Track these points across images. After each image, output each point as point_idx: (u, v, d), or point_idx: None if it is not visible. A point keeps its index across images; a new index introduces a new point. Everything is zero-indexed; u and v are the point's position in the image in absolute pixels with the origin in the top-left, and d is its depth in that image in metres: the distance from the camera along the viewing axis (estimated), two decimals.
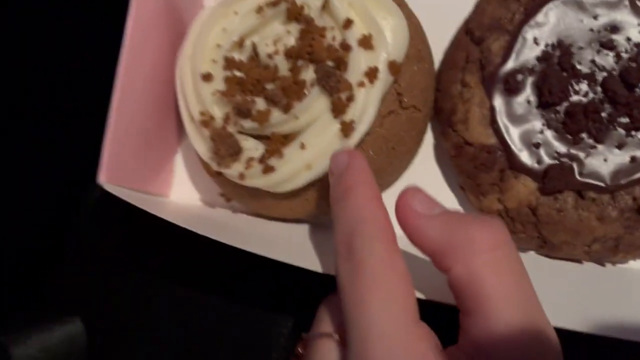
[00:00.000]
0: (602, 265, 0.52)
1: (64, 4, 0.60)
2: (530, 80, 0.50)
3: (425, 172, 0.57)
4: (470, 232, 0.36)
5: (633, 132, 0.48)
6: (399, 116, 0.52)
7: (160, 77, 0.56)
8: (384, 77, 0.49)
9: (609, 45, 0.49)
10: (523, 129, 0.50)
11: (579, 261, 0.52)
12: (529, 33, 0.51)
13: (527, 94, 0.50)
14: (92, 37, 0.62)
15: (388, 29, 0.51)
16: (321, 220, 0.57)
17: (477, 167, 0.51)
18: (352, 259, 0.37)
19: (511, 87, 0.50)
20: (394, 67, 0.50)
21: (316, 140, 0.49)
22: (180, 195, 0.60)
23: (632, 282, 0.51)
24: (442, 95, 0.54)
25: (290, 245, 0.52)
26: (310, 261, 0.46)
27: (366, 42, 0.49)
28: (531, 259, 0.53)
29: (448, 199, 0.56)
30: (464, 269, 0.35)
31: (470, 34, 0.54)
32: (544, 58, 0.50)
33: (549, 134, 0.50)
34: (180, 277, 0.61)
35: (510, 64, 0.51)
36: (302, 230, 0.55)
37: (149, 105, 0.55)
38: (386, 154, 0.52)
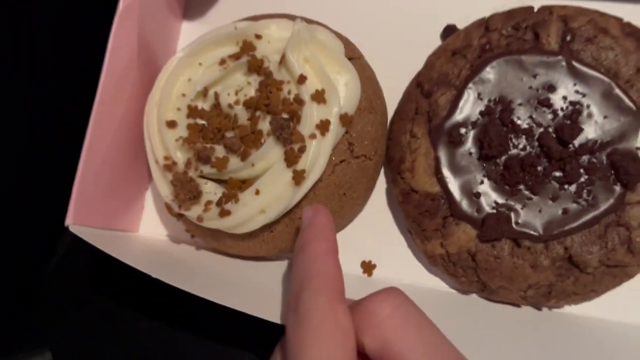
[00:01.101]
0: (539, 309, 0.55)
1: (39, 42, 0.64)
2: (472, 134, 0.54)
3: (377, 216, 0.60)
4: (368, 306, 0.40)
5: (566, 186, 0.51)
6: (350, 164, 0.55)
7: (132, 120, 0.59)
8: (335, 129, 0.53)
9: (546, 103, 0.53)
10: (465, 179, 0.53)
11: (517, 305, 0.55)
12: (474, 89, 0.55)
13: (470, 146, 0.54)
14: (68, 78, 0.66)
15: (341, 84, 0.55)
16: (279, 256, 0.60)
17: (422, 214, 0.55)
18: (297, 311, 0.41)
19: (455, 140, 0.54)
20: (345, 120, 0.54)
21: (270, 187, 0.53)
22: (149, 230, 0.63)
23: (566, 325, 0.54)
24: (393, 144, 0.58)
25: (249, 290, 0.54)
26: (267, 309, 0.49)
27: (319, 97, 0.53)
28: (473, 302, 0.56)
29: (398, 242, 0.59)
30: (373, 340, 0.39)
31: (420, 87, 0.57)
32: (486, 113, 0.54)
33: (489, 185, 0.53)
34: (150, 309, 0.64)
35: (455, 118, 0.54)
36: (261, 269, 0.59)
37: (120, 147, 0.58)
38: (337, 200, 0.55)
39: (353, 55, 0.58)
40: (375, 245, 0.59)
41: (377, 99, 0.58)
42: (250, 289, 0.54)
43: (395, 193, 0.57)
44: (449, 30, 0.62)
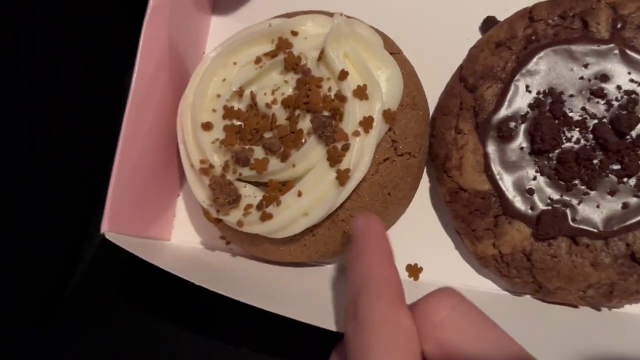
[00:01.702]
0: (598, 310, 0.52)
1: (67, 50, 0.62)
2: (522, 128, 0.51)
3: (422, 217, 0.58)
4: (424, 308, 0.38)
5: (625, 179, 0.49)
6: (394, 163, 0.53)
7: (163, 123, 0.57)
8: (378, 126, 0.51)
9: (599, 93, 0.50)
10: (516, 175, 0.51)
11: (575, 306, 0.52)
12: (521, 81, 0.52)
13: (520, 141, 0.51)
14: (97, 84, 0.64)
15: (382, 79, 0.52)
16: (318, 262, 0.57)
17: (472, 213, 0.52)
18: (356, 317, 0.39)
19: (504, 134, 0.51)
20: (388, 116, 0.51)
21: (313, 188, 0.50)
22: (181, 238, 0.61)
23: (628, 326, 0.51)
24: (437, 142, 0.55)
25: (295, 296, 0.52)
26: (310, 314, 0.46)
27: (361, 93, 0.51)
28: (527, 303, 0.53)
29: (445, 243, 0.57)
30: (432, 343, 0.37)
31: (463, 81, 0.55)
32: (536, 105, 0.51)
33: (542, 181, 0.50)
34: (180, 318, 0.62)
35: (503, 112, 0.52)
36: (302, 275, 0.56)
37: (151, 152, 0.56)
38: (382, 200, 0.53)
39: (392, 50, 0.56)
40: (420, 248, 0.57)
41: (419, 94, 0.56)
42: (296, 296, 0.52)
43: (442, 192, 0.55)
44: (489, 22, 0.59)
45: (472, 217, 0.52)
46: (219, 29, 0.66)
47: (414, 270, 0.56)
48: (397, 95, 0.53)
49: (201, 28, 0.65)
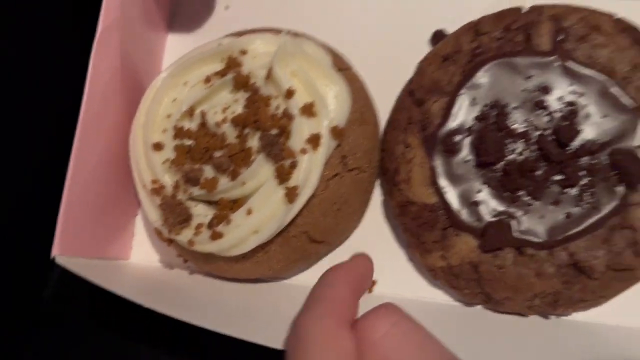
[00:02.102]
0: (546, 318, 0.53)
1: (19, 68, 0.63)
2: (468, 141, 0.52)
3: (374, 230, 0.58)
4: (363, 326, 0.40)
5: (567, 189, 0.50)
6: (343, 178, 0.53)
7: (117, 143, 0.58)
8: (326, 143, 0.51)
9: (541, 105, 0.51)
10: (462, 188, 0.52)
11: (524, 315, 0.53)
12: (467, 94, 0.53)
13: (466, 153, 0.52)
14: (50, 102, 0.64)
15: (330, 96, 0.53)
16: (275, 278, 0.58)
17: (421, 226, 0.53)
18: (298, 333, 0.40)
19: (450, 148, 0.52)
20: (336, 132, 0.52)
21: (262, 206, 0.51)
22: (141, 257, 0.62)
23: (575, 333, 0.52)
24: (387, 156, 0.56)
25: (247, 314, 0.52)
26: (265, 334, 0.47)
27: (309, 110, 0.51)
28: (478, 314, 0.54)
29: (397, 256, 0.58)
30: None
31: (412, 95, 0.56)
32: (481, 118, 0.52)
33: (488, 193, 0.51)
34: (150, 337, 0.62)
35: (449, 125, 0.53)
36: (258, 292, 0.57)
37: (105, 172, 0.57)
38: (333, 215, 0.54)
39: (342, 66, 0.57)
40: (375, 261, 0.57)
41: (369, 109, 0.57)
42: (248, 314, 0.52)
43: (392, 205, 0.55)
44: (438, 36, 0.60)
45: (421, 230, 0.53)
46: (176, 48, 0.67)
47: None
48: (345, 111, 0.53)
49: (157, 47, 0.66)
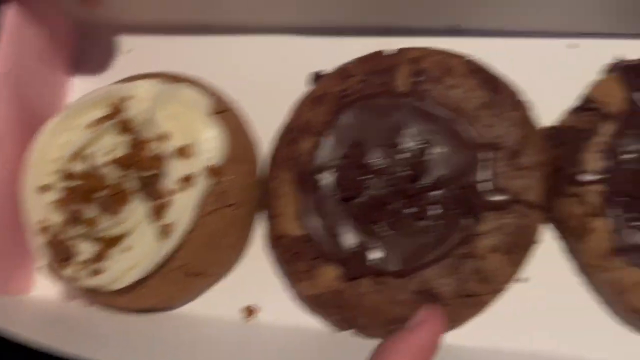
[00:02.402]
0: None
1: None
2: (332, 178, 0.56)
3: (258, 261, 0.61)
4: None
5: (419, 221, 0.54)
6: (220, 214, 0.57)
7: (12, 183, 0.61)
8: (201, 182, 0.55)
9: (398, 143, 0.55)
10: (327, 221, 0.55)
11: None
12: (333, 134, 0.57)
13: (330, 189, 0.56)
14: None
15: (206, 138, 0.57)
16: (164, 308, 0.61)
17: (292, 257, 0.57)
18: None
19: (317, 184, 0.56)
20: (212, 172, 0.56)
21: (139, 243, 0.55)
22: (42, 291, 0.65)
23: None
24: (264, 191, 0.60)
25: (137, 345, 0.56)
26: None
27: (184, 152, 0.56)
28: (350, 340, 0.57)
29: (279, 285, 0.61)
30: None
31: (287, 134, 0.60)
32: (345, 156, 0.56)
33: (349, 225, 0.55)
34: None
35: (316, 163, 0.57)
36: (152, 322, 0.60)
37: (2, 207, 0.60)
38: (212, 249, 0.57)
39: (222, 107, 0.61)
40: (258, 290, 0.61)
41: (247, 148, 0.61)
42: (143, 346, 0.55)
43: (269, 238, 0.59)
44: (317, 78, 0.64)
45: (292, 261, 0.57)
46: (83, 91, 0.70)
47: (250, 312, 0.60)
48: (221, 152, 0.57)
49: (59, 90, 0.69)
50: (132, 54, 0.70)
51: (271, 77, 0.66)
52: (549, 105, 0.58)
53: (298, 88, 0.64)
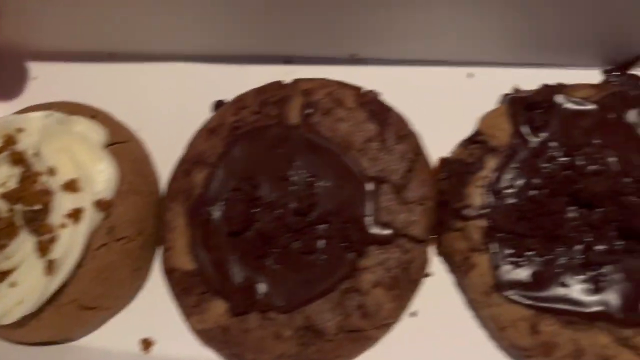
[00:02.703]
0: None
1: None
2: (222, 210, 0.56)
3: (157, 294, 0.61)
4: None
5: (306, 256, 0.53)
6: (111, 248, 0.57)
7: None
8: (89, 216, 0.55)
9: (287, 176, 0.55)
10: (217, 255, 0.55)
11: None
12: (225, 166, 0.57)
13: (220, 223, 0.55)
14: None
15: (96, 172, 0.57)
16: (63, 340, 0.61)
17: (182, 290, 0.56)
18: None
19: (207, 217, 0.56)
20: (102, 205, 0.56)
21: (25, 278, 0.54)
22: None
23: None
24: (160, 223, 0.59)
25: None
26: None
27: (72, 186, 0.55)
28: None
29: (175, 319, 0.60)
30: None
31: (182, 166, 0.60)
32: (236, 189, 0.56)
33: (237, 260, 0.54)
34: None
35: (207, 196, 0.56)
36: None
37: None
38: (102, 283, 0.57)
39: (119, 139, 0.60)
40: (156, 323, 0.60)
41: (143, 180, 0.60)
42: None
43: (163, 271, 0.59)
44: (217, 106, 0.64)
45: (183, 295, 0.56)
46: None
47: (146, 344, 0.60)
48: (111, 185, 0.57)
49: None
50: (38, 81, 0.70)
51: (176, 104, 0.66)
52: (445, 136, 0.58)
53: (203, 116, 0.64)
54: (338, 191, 0.54)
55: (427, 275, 0.56)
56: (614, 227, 0.49)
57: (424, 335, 0.55)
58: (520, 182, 0.51)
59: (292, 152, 0.56)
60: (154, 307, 0.61)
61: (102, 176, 0.57)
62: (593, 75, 0.59)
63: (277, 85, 0.59)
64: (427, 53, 0.61)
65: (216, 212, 0.56)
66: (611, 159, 0.50)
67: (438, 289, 0.56)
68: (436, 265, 0.57)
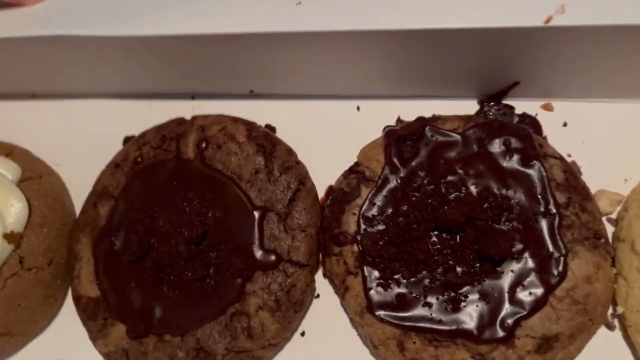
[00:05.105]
0: None
1: None
2: (122, 241, 0.60)
3: (70, 322, 0.64)
4: None
5: (198, 282, 0.57)
6: (21, 277, 0.60)
7: None
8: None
9: (181, 207, 0.59)
10: (118, 282, 0.59)
11: None
12: (125, 199, 0.61)
13: (120, 252, 0.59)
14: None
15: (7, 206, 0.61)
16: None
17: (88, 316, 0.60)
18: None
19: (109, 247, 0.60)
20: (12, 238, 0.60)
21: None
22: None
23: None
24: (71, 254, 0.63)
25: None
26: None
27: None
28: None
29: (86, 345, 0.63)
30: None
31: (90, 199, 0.64)
32: (136, 220, 0.60)
33: (136, 286, 0.58)
34: None
35: (109, 227, 0.61)
36: None
37: None
38: (14, 310, 0.61)
39: (33, 174, 0.65)
40: (68, 347, 0.64)
41: (55, 213, 0.64)
42: None
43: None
44: (126, 142, 0.68)
45: (89, 320, 0.60)
46: None
47: None
48: (21, 219, 0.61)
49: None
50: None
51: (92, 140, 0.70)
52: (335, 165, 0.62)
53: (116, 150, 0.68)
54: (228, 220, 0.58)
55: (315, 296, 0.60)
56: (472, 250, 0.53)
57: (312, 353, 0.59)
58: (389, 209, 0.55)
59: (187, 184, 0.60)
60: (67, 333, 0.65)
61: (12, 210, 0.61)
62: (471, 106, 0.64)
63: (177, 121, 0.64)
64: (319, 88, 0.65)
65: (118, 242, 0.60)
66: (471, 187, 0.55)
67: (326, 309, 0.60)
68: (326, 287, 0.61)
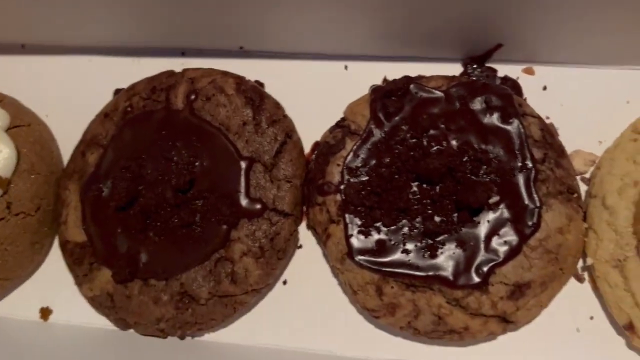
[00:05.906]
0: (182, 339, 0.61)
1: None
2: (110, 187, 0.61)
3: (56, 265, 0.65)
4: None
5: (184, 229, 0.58)
6: (8, 222, 0.61)
7: None
8: None
9: (169, 156, 0.60)
10: (105, 227, 0.60)
11: (162, 337, 0.61)
12: (114, 147, 0.62)
13: (108, 199, 0.60)
14: None
15: None
16: None
17: (74, 261, 0.61)
18: None
19: (96, 194, 0.61)
20: (0, 183, 0.60)
21: None
22: None
23: (205, 353, 0.60)
24: (58, 200, 0.64)
25: None
26: None
27: None
28: (130, 338, 0.62)
29: (71, 290, 0.65)
30: None
31: (79, 147, 0.65)
32: (125, 167, 0.61)
33: (122, 232, 0.59)
34: None
35: (98, 174, 0.62)
36: None
37: None
38: (0, 254, 0.62)
39: (21, 122, 0.65)
40: (54, 293, 0.65)
41: (43, 161, 0.65)
42: None
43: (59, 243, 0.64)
44: (116, 94, 0.69)
45: (75, 265, 0.61)
46: None
47: (45, 313, 0.64)
48: (10, 164, 0.62)
49: None
50: None
51: (81, 94, 0.71)
52: (321, 122, 0.63)
53: (104, 103, 0.69)
54: (215, 170, 0.59)
55: (298, 247, 0.62)
56: (451, 201, 0.55)
57: (293, 301, 0.61)
58: (372, 161, 0.57)
59: (176, 134, 0.61)
60: (53, 279, 0.66)
61: (0, 155, 0.61)
62: (455, 68, 0.66)
63: (167, 74, 0.65)
64: (308, 46, 0.66)
65: (105, 189, 0.61)
66: (452, 141, 0.56)
67: (308, 259, 0.62)
68: (309, 238, 0.62)
